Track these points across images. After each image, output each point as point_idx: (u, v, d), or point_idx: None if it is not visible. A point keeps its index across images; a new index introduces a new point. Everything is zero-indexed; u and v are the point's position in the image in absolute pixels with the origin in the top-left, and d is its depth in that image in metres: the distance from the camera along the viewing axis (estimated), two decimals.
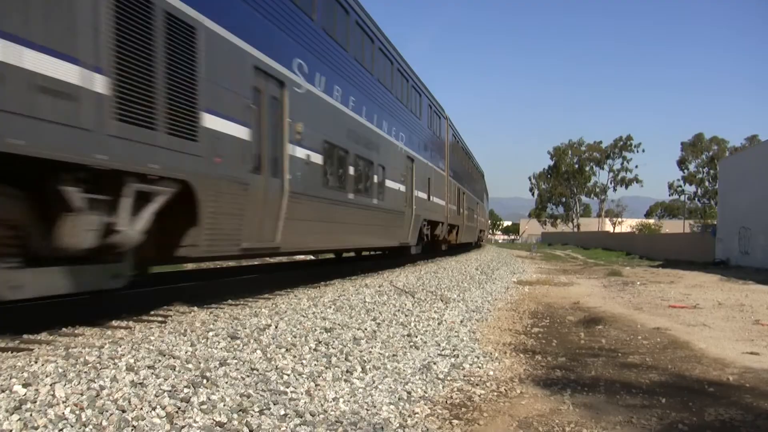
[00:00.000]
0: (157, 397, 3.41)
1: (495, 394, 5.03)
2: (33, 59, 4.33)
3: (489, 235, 78.92)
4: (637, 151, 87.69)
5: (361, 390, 4.59)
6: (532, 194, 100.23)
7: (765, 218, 23.87)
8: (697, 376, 5.87)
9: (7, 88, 4.16)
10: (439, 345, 6.70)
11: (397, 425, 4.00)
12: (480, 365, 6.01)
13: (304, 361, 4.83)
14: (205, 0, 6.43)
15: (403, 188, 15.70)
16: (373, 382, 4.84)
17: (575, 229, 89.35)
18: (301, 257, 18.60)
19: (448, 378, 5.42)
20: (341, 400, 4.28)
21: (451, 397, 4.85)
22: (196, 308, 7.07)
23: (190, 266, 13.60)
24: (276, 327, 5.64)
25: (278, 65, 8.27)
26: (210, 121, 6.56)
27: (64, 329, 5.62)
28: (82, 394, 3.22)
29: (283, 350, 4.95)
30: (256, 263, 16.02)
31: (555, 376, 5.78)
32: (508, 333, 8.24)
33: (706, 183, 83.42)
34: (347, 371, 4.93)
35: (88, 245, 5.08)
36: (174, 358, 4.13)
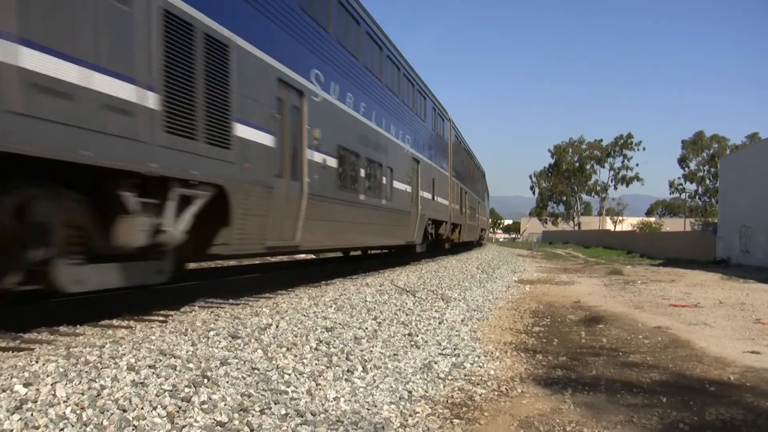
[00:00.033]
0: (158, 396, 3.41)
1: (496, 393, 5.04)
2: (101, 81, 4.85)
3: (490, 234, 78.94)
4: (638, 150, 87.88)
5: (362, 389, 4.59)
6: (533, 192, 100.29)
7: (766, 217, 23.86)
8: (698, 376, 5.87)
9: (81, 107, 4.64)
10: (440, 344, 6.70)
11: (398, 425, 4.00)
12: (481, 364, 6.01)
13: (305, 361, 4.83)
14: (236, 20, 6.99)
15: (409, 189, 16.05)
16: (374, 382, 4.84)
17: (576, 228, 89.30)
18: (302, 257, 18.68)
19: (449, 377, 5.42)
20: (342, 399, 4.28)
21: (452, 397, 4.85)
22: (197, 307, 7.08)
23: (191, 266, 13.59)
24: (277, 326, 5.64)
25: (298, 76, 8.81)
26: (241, 131, 7.10)
27: (64, 329, 5.63)
28: (83, 394, 3.22)
29: (284, 349, 4.95)
30: (256, 262, 16.04)
31: (556, 375, 5.79)
32: (509, 332, 8.24)
33: (707, 181, 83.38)
34: (348, 371, 4.93)
35: (140, 244, 5.63)
36: (175, 357, 4.12)
